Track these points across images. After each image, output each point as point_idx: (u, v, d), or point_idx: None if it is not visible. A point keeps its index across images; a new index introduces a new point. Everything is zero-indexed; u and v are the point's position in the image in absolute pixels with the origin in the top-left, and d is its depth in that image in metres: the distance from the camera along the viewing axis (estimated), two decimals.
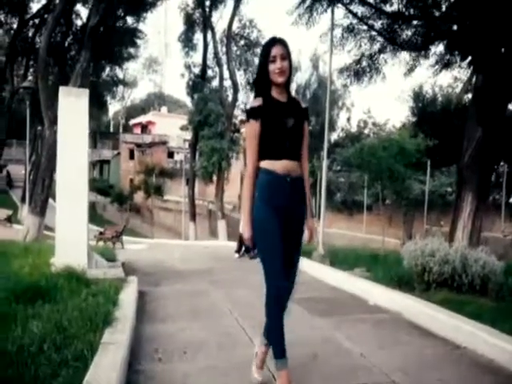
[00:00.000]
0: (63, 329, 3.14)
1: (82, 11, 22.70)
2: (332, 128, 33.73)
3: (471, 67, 7.25)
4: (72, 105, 5.62)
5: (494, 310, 4.56)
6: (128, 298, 4.28)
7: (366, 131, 29.78)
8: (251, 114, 2.53)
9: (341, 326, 4.02)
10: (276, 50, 2.51)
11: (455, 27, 6.60)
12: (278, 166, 2.51)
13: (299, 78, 34.95)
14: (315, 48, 32.74)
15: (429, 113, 16.79)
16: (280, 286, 2.47)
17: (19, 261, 6.09)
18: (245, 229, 2.54)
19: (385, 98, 58.64)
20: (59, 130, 5.68)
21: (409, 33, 7.31)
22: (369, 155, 14.49)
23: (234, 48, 20.16)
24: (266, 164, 2.53)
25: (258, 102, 2.54)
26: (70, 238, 5.46)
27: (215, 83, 21.15)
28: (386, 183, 13.70)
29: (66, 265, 5.20)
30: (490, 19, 5.69)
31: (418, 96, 18.03)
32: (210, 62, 20.96)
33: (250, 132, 2.54)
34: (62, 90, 5.81)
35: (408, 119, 19.72)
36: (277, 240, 2.48)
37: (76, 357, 2.68)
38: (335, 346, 3.46)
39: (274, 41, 2.56)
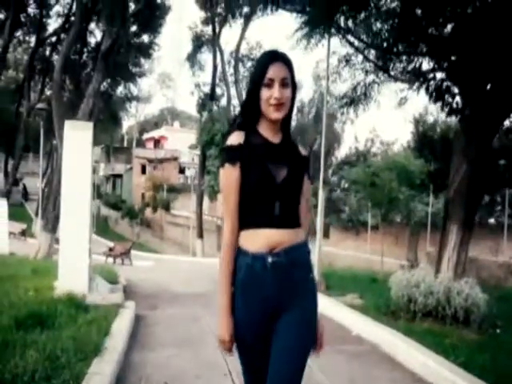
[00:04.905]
0: (56, 357, 3.42)
1: (96, 30, 23.72)
2: (337, 143, 33.66)
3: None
4: (77, 140, 5.96)
5: (472, 342, 4.76)
6: (121, 326, 4.57)
7: (374, 149, 30.02)
8: (228, 155, 1.74)
9: (318, 357, 4.23)
10: (275, 71, 1.71)
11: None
12: (259, 239, 1.74)
13: (301, 95, 33.71)
14: (315, 65, 31.94)
15: (429, 139, 17.11)
16: None
17: (26, 283, 6.44)
18: (219, 328, 1.79)
19: (392, 114, 58.58)
20: (64, 163, 6.05)
21: (401, 65, 7.61)
22: (373, 177, 14.74)
23: (242, 69, 20.69)
24: (243, 238, 1.77)
25: (239, 137, 1.74)
26: (72, 264, 5.78)
27: (224, 101, 21.69)
28: (389, 206, 13.91)
29: (68, 289, 5.52)
30: (476, 58, 5.93)
31: (418, 122, 18.35)
32: (219, 80, 21.52)
33: (225, 181, 1.74)
34: (67, 124, 6.17)
35: (411, 143, 20.05)
36: (256, 356, 1.82)
37: None
38: (307, 379, 3.68)
39: (274, 56, 1.75)
